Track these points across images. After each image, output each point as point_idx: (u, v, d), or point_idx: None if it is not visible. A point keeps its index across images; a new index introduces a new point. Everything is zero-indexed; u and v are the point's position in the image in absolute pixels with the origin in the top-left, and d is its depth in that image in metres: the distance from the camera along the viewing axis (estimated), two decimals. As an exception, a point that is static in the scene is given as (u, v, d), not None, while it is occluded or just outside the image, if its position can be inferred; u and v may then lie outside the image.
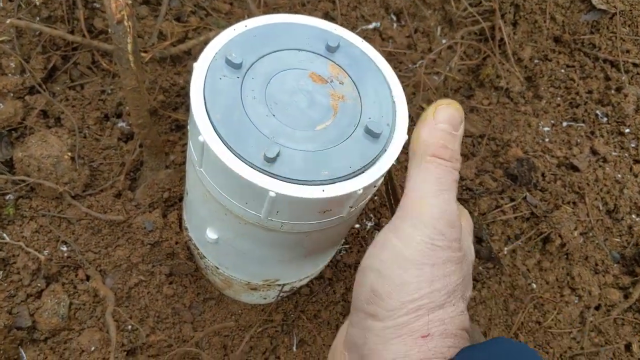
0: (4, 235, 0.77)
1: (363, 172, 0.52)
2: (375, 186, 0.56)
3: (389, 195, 0.65)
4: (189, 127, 0.60)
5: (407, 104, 0.59)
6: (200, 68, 0.55)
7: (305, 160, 0.51)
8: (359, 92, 0.57)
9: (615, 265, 0.99)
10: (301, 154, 0.51)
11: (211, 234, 0.67)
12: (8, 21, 0.86)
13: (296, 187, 0.49)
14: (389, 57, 1.10)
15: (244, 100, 0.54)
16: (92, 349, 0.73)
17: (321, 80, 0.57)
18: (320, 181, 0.50)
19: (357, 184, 0.51)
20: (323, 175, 0.51)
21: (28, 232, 0.78)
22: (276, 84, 0.56)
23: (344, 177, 0.51)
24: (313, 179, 0.50)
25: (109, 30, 0.69)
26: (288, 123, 0.53)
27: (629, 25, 1.15)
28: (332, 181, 0.51)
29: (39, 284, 0.75)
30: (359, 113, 0.55)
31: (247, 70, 0.56)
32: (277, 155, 0.50)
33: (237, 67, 0.55)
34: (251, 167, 0.50)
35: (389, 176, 0.62)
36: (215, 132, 0.51)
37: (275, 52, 0.58)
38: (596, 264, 0.97)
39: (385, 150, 0.54)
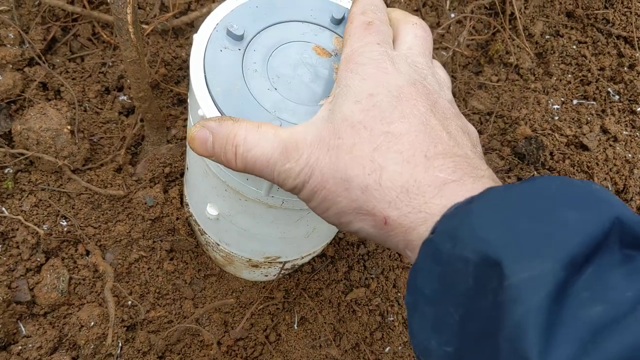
0: (3, 209, 0.76)
1: None
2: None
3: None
4: (188, 100, 0.59)
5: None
6: (200, 39, 0.54)
7: None
8: None
9: (622, 246, 0.97)
10: None
11: (212, 211, 0.66)
12: (6, -10, 0.84)
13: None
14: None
15: (245, 73, 0.53)
16: (92, 324, 0.72)
17: (325, 54, 0.56)
18: None
19: None
20: None
21: (27, 206, 0.77)
22: (279, 56, 0.55)
23: None
24: None
25: (109, 0, 0.67)
26: (290, 97, 0.52)
27: (644, 1, 1.12)
28: None
29: (38, 259, 0.75)
30: None
31: (249, 42, 0.55)
32: None
33: (238, 38, 0.54)
34: None
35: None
36: (216, 106, 0.50)
37: (278, 23, 0.57)
38: (603, 245, 0.96)
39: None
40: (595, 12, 1.12)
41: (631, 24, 1.10)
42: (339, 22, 0.57)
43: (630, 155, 1.01)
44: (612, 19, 1.12)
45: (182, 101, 0.94)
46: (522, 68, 1.10)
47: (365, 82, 0.43)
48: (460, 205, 0.36)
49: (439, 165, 0.39)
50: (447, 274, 0.34)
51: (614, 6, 1.12)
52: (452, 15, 1.13)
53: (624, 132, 1.03)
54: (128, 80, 0.91)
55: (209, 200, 0.66)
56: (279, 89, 0.52)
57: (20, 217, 0.75)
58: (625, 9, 1.11)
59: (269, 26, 0.56)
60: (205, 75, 0.51)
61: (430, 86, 0.45)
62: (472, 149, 0.42)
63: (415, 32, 0.49)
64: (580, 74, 1.10)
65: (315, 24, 0.58)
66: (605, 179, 0.98)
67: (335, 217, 0.43)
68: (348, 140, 0.41)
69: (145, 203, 0.80)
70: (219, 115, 0.49)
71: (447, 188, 0.37)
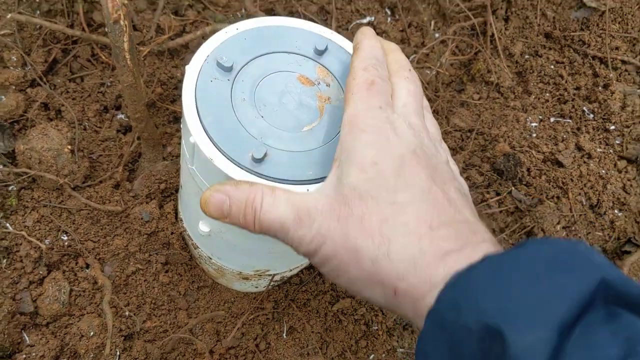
0: (7, 224, 0.81)
1: None
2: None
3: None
4: (181, 127, 0.62)
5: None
6: (192, 71, 0.57)
7: (292, 161, 0.54)
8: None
9: (596, 257, 1.02)
10: (288, 155, 0.54)
11: (203, 227, 0.70)
12: (9, 15, 0.89)
13: (282, 187, 0.52)
14: (383, 51, 1.13)
15: (234, 102, 0.56)
16: (92, 333, 0.77)
17: (309, 83, 0.60)
18: (306, 181, 0.53)
19: None
20: (308, 175, 0.53)
21: (30, 221, 0.81)
22: (265, 86, 0.58)
23: None
24: (299, 179, 0.53)
25: (106, 29, 0.71)
26: (276, 124, 0.56)
27: (618, 23, 1.17)
28: (317, 181, 0.53)
29: (40, 272, 0.79)
30: None
31: (238, 72, 0.58)
32: (264, 155, 0.52)
33: (227, 70, 0.57)
34: (239, 167, 0.52)
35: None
36: (206, 133, 0.53)
37: (265, 54, 0.60)
38: (578, 257, 1.01)
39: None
40: (572, 33, 1.17)
41: (606, 45, 1.16)
42: (322, 52, 0.61)
43: (603, 171, 1.06)
44: (588, 40, 1.17)
45: (177, 119, 0.99)
46: (502, 86, 1.15)
47: (369, 150, 0.45)
48: (461, 273, 0.38)
49: (443, 235, 0.41)
50: (453, 342, 0.37)
51: (590, 28, 1.17)
52: (437, 35, 1.18)
53: (598, 149, 1.08)
54: (125, 98, 0.95)
55: (201, 217, 0.69)
56: (265, 117, 0.56)
57: (23, 233, 0.79)
58: (601, 31, 1.17)
59: (256, 57, 0.60)
60: (196, 105, 0.55)
61: (429, 150, 0.48)
62: (470, 212, 0.45)
63: (407, 87, 0.52)
64: (557, 93, 1.15)
65: (299, 54, 0.62)
66: (579, 194, 1.03)
67: (346, 284, 0.45)
68: (357, 211, 0.43)
69: (142, 218, 0.85)
70: (209, 141, 0.53)
71: (450, 257, 0.40)
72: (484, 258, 0.38)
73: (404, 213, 0.42)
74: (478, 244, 0.41)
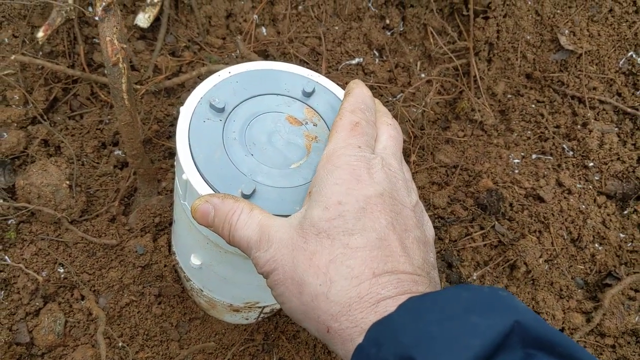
0: (6, 257, 0.83)
1: None
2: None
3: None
4: (175, 164, 0.66)
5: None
6: (186, 111, 0.61)
7: (280, 197, 0.57)
8: None
9: (579, 290, 1.05)
10: (276, 191, 0.57)
11: (195, 260, 0.72)
12: (13, 57, 0.93)
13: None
14: (371, 90, 1.17)
15: (225, 141, 0.59)
16: (85, 364, 0.79)
17: (297, 122, 0.63)
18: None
19: None
20: (295, 211, 0.56)
21: (28, 254, 0.84)
22: (255, 125, 0.62)
23: None
24: (286, 214, 0.56)
25: (105, 71, 0.76)
26: (265, 162, 0.59)
27: (595, 64, 1.23)
28: None
29: (37, 303, 0.82)
30: None
31: (229, 113, 0.62)
32: (253, 192, 0.55)
33: (219, 111, 0.61)
34: None
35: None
36: (198, 171, 0.57)
37: (255, 96, 0.64)
38: (561, 290, 1.04)
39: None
40: (552, 74, 1.23)
41: (583, 85, 1.21)
42: (310, 94, 0.65)
43: (583, 206, 1.10)
44: (567, 81, 1.23)
45: (172, 155, 1.02)
46: (486, 124, 1.19)
47: (337, 187, 0.47)
48: (387, 315, 0.40)
49: (384, 282, 0.42)
50: None
51: (568, 69, 1.23)
52: (422, 75, 1.23)
53: (578, 185, 1.12)
54: (122, 136, 0.99)
55: (193, 251, 0.72)
56: (255, 155, 0.59)
57: (21, 265, 0.82)
58: (579, 72, 1.22)
59: (247, 99, 0.63)
60: (189, 144, 0.58)
61: (398, 195, 0.49)
62: (422, 264, 0.46)
63: (389, 132, 0.55)
64: (538, 131, 1.20)
65: (288, 96, 0.65)
66: (560, 228, 1.07)
67: (288, 312, 0.48)
68: (311, 247, 0.45)
69: (136, 251, 0.88)
70: (201, 179, 0.56)
71: (382, 304, 0.41)
72: (408, 299, 0.40)
73: (353, 257, 0.44)
74: (415, 293, 0.42)
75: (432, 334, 0.36)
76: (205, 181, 0.56)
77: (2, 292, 0.81)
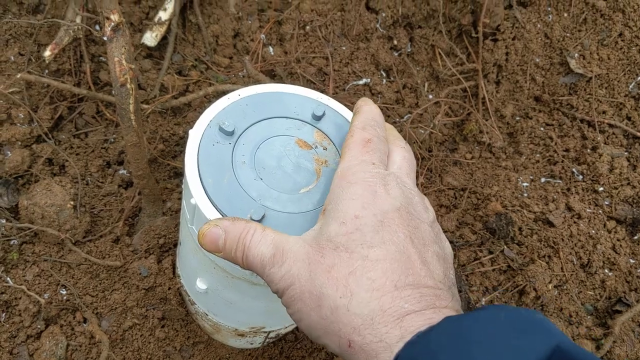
0: (8, 279, 0.82)
1: None
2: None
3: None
4: (183, 188, 0.65)
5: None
6: (195, 134, 0.60)
7: (289, 222, 0.55)
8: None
9: (588, 317, 1.03)
10: (285, 216, 0.56)
11: (201, 284, 0.71)
12: (19, 75, 0.92)
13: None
14: (378, 111, 1.17)
15: (234, 164, 0.58)
16: (86, 389, 0.77)
17: (306, 146, 0.62)
18: None
19: None
20: None
21: (30, 276, 0.83)
22: (265, 149, 0.61)
23: None
24: None
25: (113, 91, 0.75)
26: (274, 186, 0.58)
27: (605, 88, 1.22)
28: None
29: (38, 326, 0.80)
30: None
31: (239, 137, 0.61)
32: (263, 217, 0.54)
33: (229, 134, 0.60)
34: None
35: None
36: (207, 195, 0.55)
37: (265, 119, 0.63)
38: (570, 316, 1.02)
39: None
40: (561, 97, 1.22)
41: (593, 109, 1.20)
42: (319, 118, 0.64)
43: (593, 231, 1.09)
44: (576, 104, 1.22)
45: (177, 174, 1.01)
46: (494, 147, 1.18)
47: (354, 202, 0.47)
48: (422, 333, 0.39)
49: (406, 295, 0.42)
50: None
51: (578, 93, 1.22)
52: (430, 97, 1.22)
53: (588, 210, 1.11)
54: (128, 156, 0.98)
55: (198, 275, 0.71)
56: (264, 179, 0.58)
57: (23, 287, 0.81)
58: (588, 95, 1.21)
59: (256, 122, 0.62)
60: (198, 167, 0.57)
61: (415, 210, 0.49)
62: (442, 279, 0.45)
63: (403, 154, 0.55)
64: (547, 154, 1.19)
65: (298, 119, 0.64)
66: (570, 253, 1.05)
67: (306, 329, 0.46)
68: (328, 260, 0.44)
69: (140, 273, 0.86)
70: (209, 203, 0.55)
71: (407, 319, 0.40)
72: (445, 319, 0.39)
73: (373, 269, 0.43)
74: (440, 308, 0.42)
75: (474, 355, 0.35)
76: (214, 206, 0.55)
77: (4, 314, 0.80)
